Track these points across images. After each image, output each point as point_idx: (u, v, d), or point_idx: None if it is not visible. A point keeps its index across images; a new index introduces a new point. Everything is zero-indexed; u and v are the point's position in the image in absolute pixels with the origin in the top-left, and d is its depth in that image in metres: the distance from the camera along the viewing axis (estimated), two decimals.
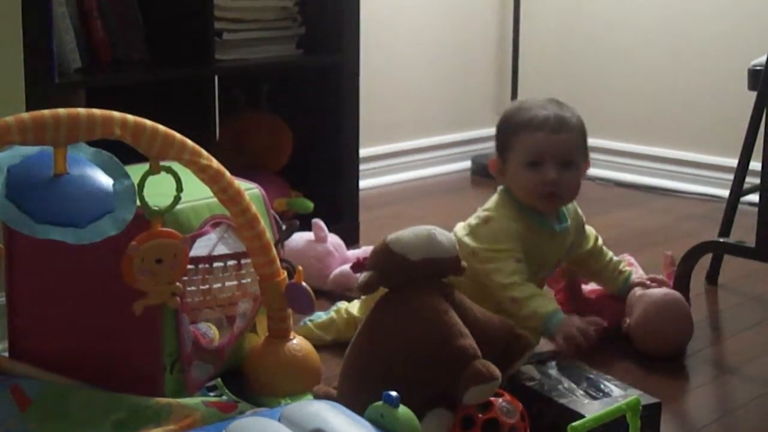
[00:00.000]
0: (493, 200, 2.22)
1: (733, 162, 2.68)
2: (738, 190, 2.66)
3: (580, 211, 2.31)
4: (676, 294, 2.30)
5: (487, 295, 2.11)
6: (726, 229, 2.67)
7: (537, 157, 2.15)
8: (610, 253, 2.37)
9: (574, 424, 1.33)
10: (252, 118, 3.00)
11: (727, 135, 3.26)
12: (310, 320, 2.26)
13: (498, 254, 2.13)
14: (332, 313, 2.27)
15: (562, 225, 2.23)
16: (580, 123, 2.21)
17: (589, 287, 2.43)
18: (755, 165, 2.52)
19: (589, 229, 2.36)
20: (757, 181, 2.47)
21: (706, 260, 2.62)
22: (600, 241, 2.36)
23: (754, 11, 3.50)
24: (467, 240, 2.16)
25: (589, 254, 2.34)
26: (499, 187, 2.23)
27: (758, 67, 2.58)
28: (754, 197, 2.52)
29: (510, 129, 2.20)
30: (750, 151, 2.63)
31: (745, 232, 2.60)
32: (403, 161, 3.92)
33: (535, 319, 2.09)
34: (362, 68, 3.01)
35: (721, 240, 2.61)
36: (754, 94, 2.60)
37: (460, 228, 2.21)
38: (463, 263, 1.86)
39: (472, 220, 2.21)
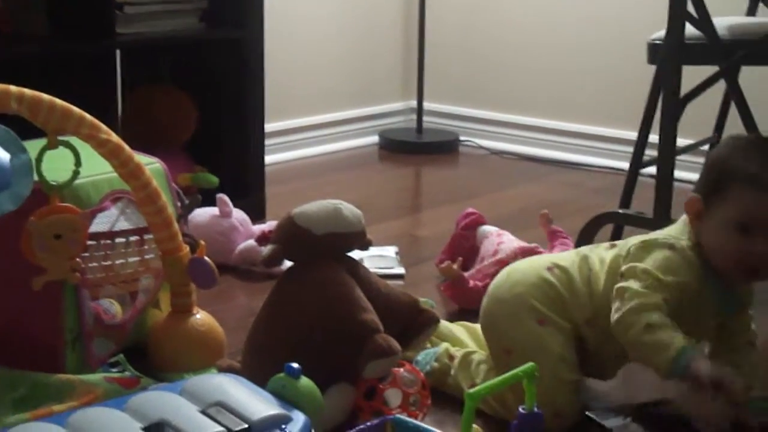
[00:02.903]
0: (684, 233, 1.83)
1: (635, 135, 2.71)
2: (638, 162, 2.70)
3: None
4: None
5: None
6: (626, 200, 2.72)
7: (752, 221, 1.76)
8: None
9: (470, 390, 1.35)
10: (154, 92, 2.97)
11: (629, 108, 3.30)
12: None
13: (656, 285, 1.74)
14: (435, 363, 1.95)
15: (729, 309, 1.86)
16: None
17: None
18: (654, 138, 2.56)
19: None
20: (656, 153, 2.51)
21: (607, 231, 2.65)
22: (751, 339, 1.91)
23: None
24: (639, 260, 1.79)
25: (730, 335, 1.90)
26: (684, 217, 1.85)
27: (657, 41, 2.62)
28: (654, 169, 2.57)
29: (727, 173, 1.79)
30: (649, 124, 2.67)
31: (645, 203, 2.63)
32: (309, 136, 3.92)
33: (669, 351, 1.69)
34: (267, 42, 2.99)
35: (621, 211, 2.66)
36: (653, 68, 2.64)
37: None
38: (369, 238, 1.87)
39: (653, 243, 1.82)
